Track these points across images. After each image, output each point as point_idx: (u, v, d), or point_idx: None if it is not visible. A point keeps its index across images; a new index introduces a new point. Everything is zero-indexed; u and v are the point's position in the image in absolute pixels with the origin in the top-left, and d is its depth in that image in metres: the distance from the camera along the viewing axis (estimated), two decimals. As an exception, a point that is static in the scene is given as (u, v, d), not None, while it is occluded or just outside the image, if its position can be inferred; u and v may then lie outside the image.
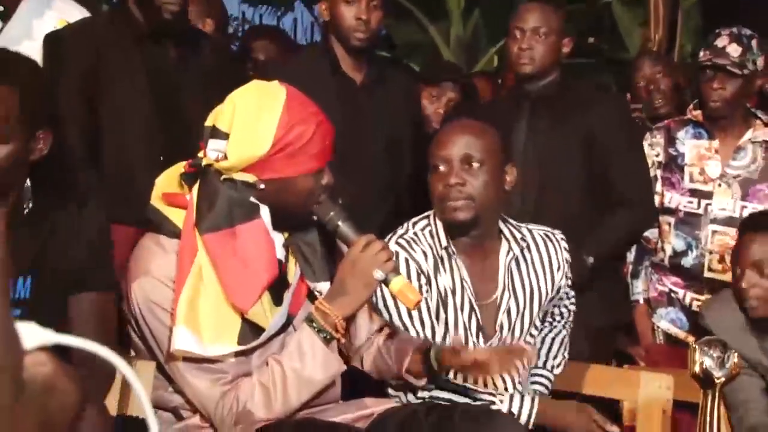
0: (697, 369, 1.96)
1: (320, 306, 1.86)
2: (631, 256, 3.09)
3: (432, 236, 2.19)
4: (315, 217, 1.88)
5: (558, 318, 2.41)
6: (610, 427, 2.13)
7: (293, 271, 1.91)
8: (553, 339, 2.38)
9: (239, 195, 1.82)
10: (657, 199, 3.04)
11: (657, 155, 3.08)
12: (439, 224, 2.20)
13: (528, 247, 2.26)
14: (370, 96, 2.79)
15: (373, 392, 2.09)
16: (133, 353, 1.94)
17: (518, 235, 2.26)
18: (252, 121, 1.81)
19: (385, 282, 1.83)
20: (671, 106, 3.57)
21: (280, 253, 1.86)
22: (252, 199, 1.83)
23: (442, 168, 2.12)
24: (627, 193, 2.83)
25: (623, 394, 2.47)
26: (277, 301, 1.85)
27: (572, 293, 2.42)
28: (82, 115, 2.48)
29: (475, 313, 2.19)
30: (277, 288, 1.85)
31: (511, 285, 2.23)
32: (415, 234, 2.19)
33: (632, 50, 6.40)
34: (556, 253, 2.29)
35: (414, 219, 2.24)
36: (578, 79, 3.52)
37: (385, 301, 2.12)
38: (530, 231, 2.29)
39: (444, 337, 2.17)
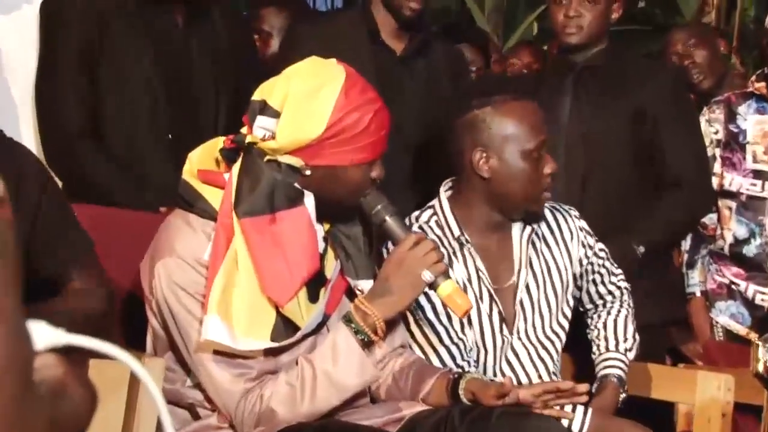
0: (760, 368, 1.94)
1: (360, 305, 1.86)
2: (686, 245, 3.08)
3: (440, 227, 2.21)
4: (360, 210, 1.88)
5: (609, 298, 2.40)
6: None
7: (332, 267, 1.91)
8: (616, 320, 2.38)
9: (283, 179, 1.83)
10: (716, 182, 3.02)
11: (716, 132, 3.06)
12: (448, 213, 2.21)
13: (539, 223, 2.29)
14: (409, 69, 2.77)
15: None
16: (149, 341, 1.94)
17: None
18: (307, 102, 1.82)
19: (433, 285, 1.84)
20: (713, 77, 3.55)
21: (320, 246, 1.86)
22: (296, 185, 1.83)
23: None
24: (682, 174, 2.80)
25: (679, 395, 2.46)
26: (313, 297, 1.86)
27: (618, 270, 2.42)
28: (82, 88, 2.48)
29: (496, 303, 2.21)
30: (315, 283, 1.85)
31: (528, 262, 2.25)
32: (421, 228, 2.20)
33: (688, 15, 6.34)
34: (567, 223, 2.32)
35: (415, 213, 2.26)
36: (627, 47, 3.49)
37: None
38: None
39: (475, 335, 2.18)
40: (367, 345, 1.86)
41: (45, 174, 1.98)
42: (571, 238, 2.32)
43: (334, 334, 1.86)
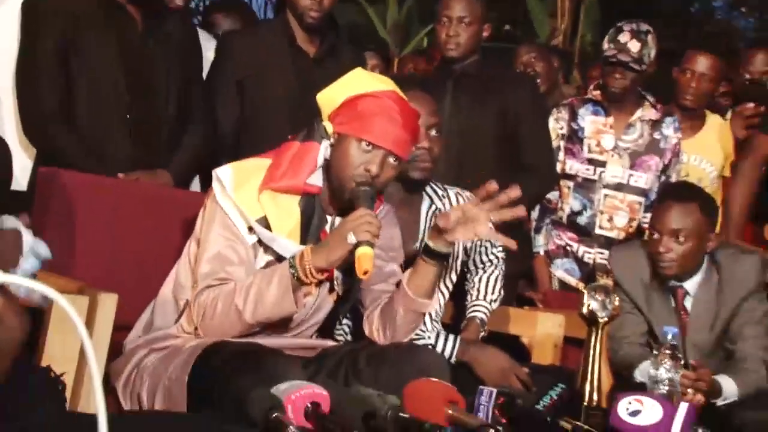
0: (584, 310, 1.99)
1: (304, 250, 1.80)
2: (534, 214, 3.11)
3: None
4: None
5: (488, 264, 2.42)
6: (519, 369, 2.17)
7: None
8: (489, 278, 2.41)
9: (321, 133, 1.89)
10: (559, 166, 3.07)
11: (561, 128, 3.10)
12: None
13: (444, 204, 2.28)
14: (322, 68, 2.73)
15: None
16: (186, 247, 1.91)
17: (440, 192, 2.29)
18: (352, 82, 1.89)
19: (356, 246, 1.76)
20: (547, 84, 3.61)
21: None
22: (329, 144, 1.87)
23: None
24: (533, 160, 2.84)
25: (524, 331, 2.52)
26: (303, 239, 1.85)
27: (498, 243, 2.43)
28: (57, 76, 2.39)
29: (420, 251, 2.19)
30: (310, 229, 1.85)
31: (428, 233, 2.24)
32: None
33: (542, 36, 6.43)
34: None
35: None
36: (495, 60, 3.52)
37: None
38: (446, 189, 2.33)
39: None
40: (300, 283, 1.80)
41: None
42: None
43: (281, 265, 1.81)
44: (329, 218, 1.90)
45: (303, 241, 1.84)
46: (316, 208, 1.87)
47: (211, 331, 1.79)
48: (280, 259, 1.84)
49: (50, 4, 2.43)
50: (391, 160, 1.84)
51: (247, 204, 1.82)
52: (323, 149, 1.86)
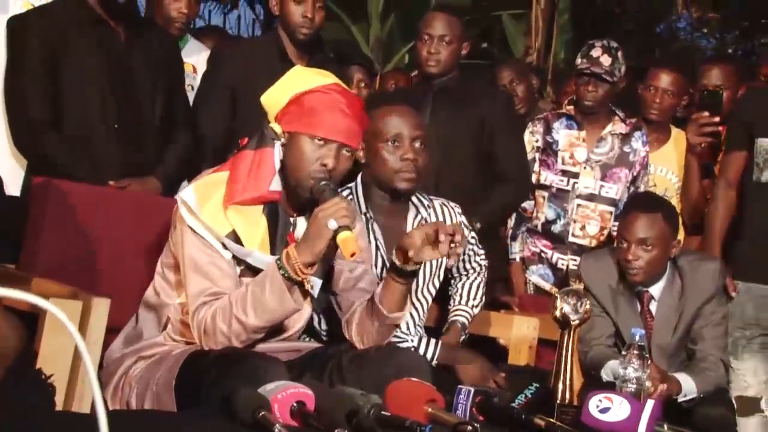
0: (557, 313, 2.00)
1: (288, 250, 1.78)
2: (511, 222, 3.12)
3: (354, 204, 2.15)
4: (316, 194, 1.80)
5: (471, 271, 2.44)
6: (496, 373, 2.18)
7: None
8: (471, 284, 2.43)
9: (269, 136, 1.83)
10: (534, 177, 3.08)
11: (537, 141, 3.12)
12: (360, 193, 2.19)
13: (430, 214, 2.28)
14: None
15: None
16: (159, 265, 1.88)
17: (425, 202, 2.29)
18: (294, 81, 1.84)
19: (336, 233, 1.73)
20: (527, 106, 3.61)
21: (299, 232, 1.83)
22: (278, 146, 1.82)
23: None
24: (508, 171, 2.86)
25: (500, 333, 2.53)
26: (272, 250, 1.81)
27: (481, 252, 2.45)
28: (46, 86, 2.38)
29: (385, 267, 2.17)
30: (274, 237, 1.81)
31: None
32: None
33: (517, 54, 6.49)
34: (451, 218, 2.32)
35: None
36: (472, 76, 3.54)
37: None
38: (431, 200, 2.33)
39: None
40: (294, 282, 1.75)
41: None
42: None
43: (268, 269, 1.78)
44: (291, 220, 1.87)
45: (273, 249, 1.81)
46: (279, 213, 1.84)
47: (218, 346, 1.76)
48: (253, 270, 1.80)
49: (36, 20, 2.43)
50: (345, 151, 1.82)
51: (215, 221, 1.78)
52: (277, 152, 1.82)
